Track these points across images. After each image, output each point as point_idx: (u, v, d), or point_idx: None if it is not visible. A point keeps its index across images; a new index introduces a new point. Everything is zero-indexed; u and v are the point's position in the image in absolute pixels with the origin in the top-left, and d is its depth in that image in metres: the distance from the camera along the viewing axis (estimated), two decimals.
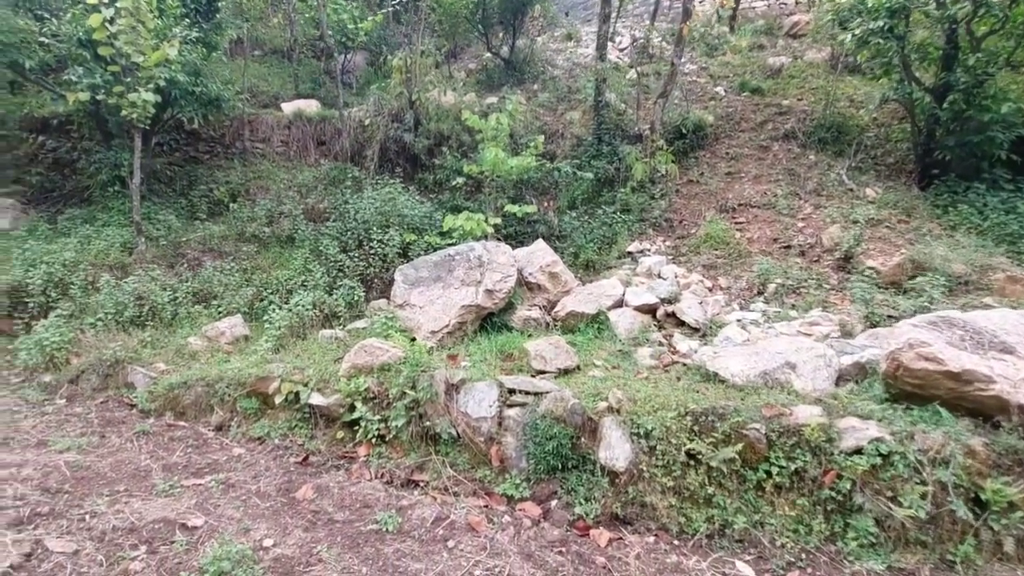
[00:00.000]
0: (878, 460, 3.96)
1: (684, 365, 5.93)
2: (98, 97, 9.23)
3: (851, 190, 10.43)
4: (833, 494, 4.05)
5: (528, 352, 6.08)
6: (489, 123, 9.16)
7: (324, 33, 12.45)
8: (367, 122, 11.92)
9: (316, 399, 5.76)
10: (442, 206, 11.04)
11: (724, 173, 11.43)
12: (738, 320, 7.24)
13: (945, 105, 9.86)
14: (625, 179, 11.33)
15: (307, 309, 7.89)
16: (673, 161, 10.87)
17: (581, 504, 4.50)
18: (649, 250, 9.92)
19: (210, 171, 12.24)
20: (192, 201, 11.41)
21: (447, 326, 6.99)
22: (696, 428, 4.50)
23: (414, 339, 7.09)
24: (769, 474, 4.23)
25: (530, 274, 7.97)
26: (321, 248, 9.50)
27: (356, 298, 8.61)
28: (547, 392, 5.10)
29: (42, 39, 9.88)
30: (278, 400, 5.91)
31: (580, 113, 12.79)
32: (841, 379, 5.20)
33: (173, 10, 10.49)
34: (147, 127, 9.67)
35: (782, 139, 12.08)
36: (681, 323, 7.39)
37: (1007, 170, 9.66)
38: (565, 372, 5.92)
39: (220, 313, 8.49)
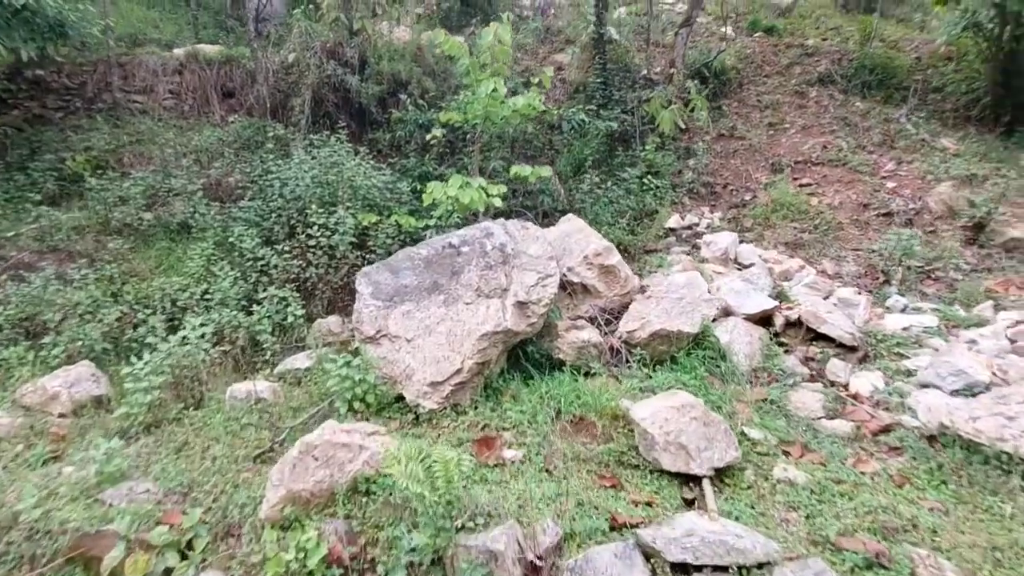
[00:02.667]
0: None
1: (931, 439, 3.05)
2: None
3: (924, 141, 7.94)
4: None
5: (643, 430, 2.99)
6: (484, 39, 5.81)
7: None
8: (291, 58, 8.16)
9: None
10: (406, 174, 7.62)
11: (765, 124, 8.65)
12: (915, 327, 4.48)
13: None
14: (643, 133, 8.33)
15: (204, 347, 4.39)
16: (708, 109, 7.94)
17: None
18: (697, 224, 7.02)
19: (63, 134, 8.09)
20: (33, 176, 7.32)
21: (459, 371, 3.76)
22: None
23: (401, 399, 3.84)
24: None
25: (569, 269, 4.84)
26: (232, 240, 5.90)
27: (291, 318, 5.18)
28: (771, 564, 2.06)
29: None
30: None
31: (578, 51, 9.57)
32: None
33: None
34: None
35: (818, 84, 9.43)
36: (814, 336, 4.54)
37: None
38: (721, 471, 2.91)
39: (56, 357, 4.79)
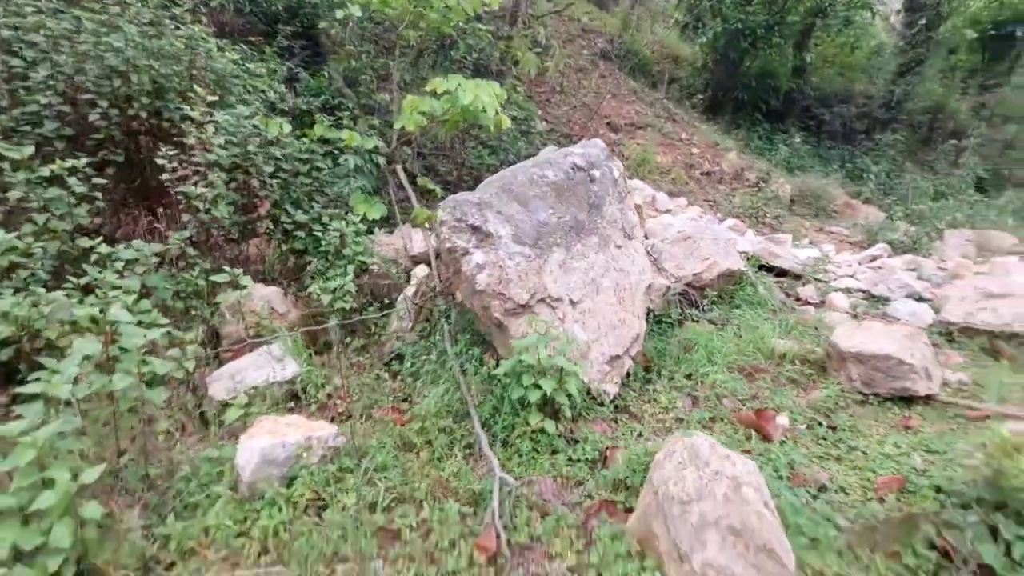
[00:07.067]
0: None
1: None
2: None
3: (685, 120, 9.83)
4: None
5: (896, 362, 2.79)
6: None
7: None
8: None
9: None
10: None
11: (582, 87, 9.06)
12: (810, 257, 5.53)
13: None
14: (499, 74, 7.58)
15: None
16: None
17: None
18: None
19: None
20: None
21: (637, 338, 2.73)
22: None
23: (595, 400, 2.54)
24: None
25: None
26: None
27: (190, 285, 2.74)
28: None
29: None
30: None
31: None
32: None
33: None
34: None
35: (601, 58, 10.44)
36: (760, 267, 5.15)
37: (758, 113, 10.77)
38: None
39: None
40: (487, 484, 1.92)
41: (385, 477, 1.94)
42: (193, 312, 2.78)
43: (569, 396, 2.23)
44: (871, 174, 9.98)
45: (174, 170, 2.87)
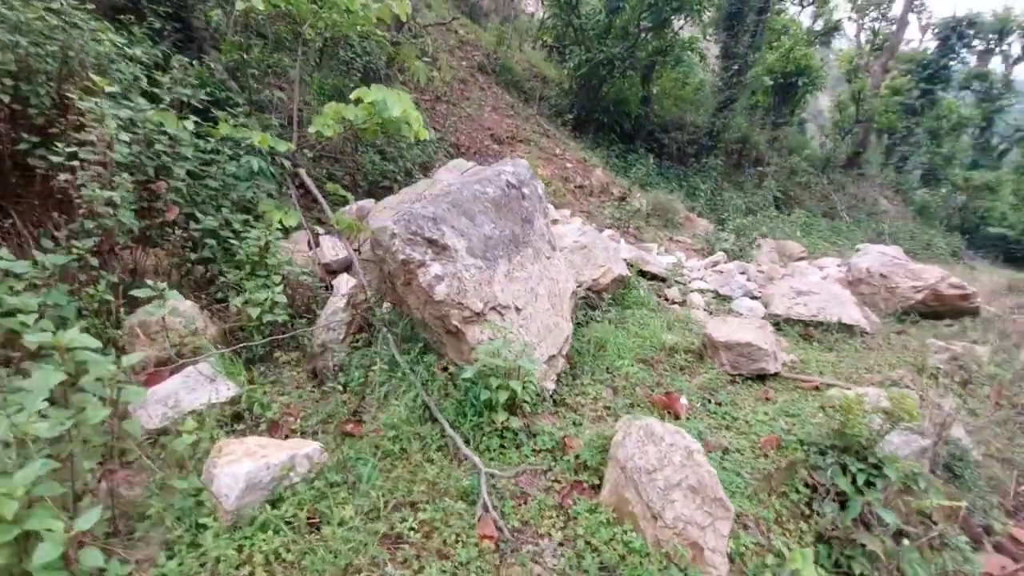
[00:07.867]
0: None
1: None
2: None
3: (556, 137, 10.65)
4: None
5: (754, 348, 3.52)
6: None
7: None
8: None
9: None
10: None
11: (465, 98, 9.30)
12: (669, 262, 6.47)
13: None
14: (387, 78, 7.48)
15: None
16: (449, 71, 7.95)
17: None
18: None
19: None
20: None
21: (567, 339, 3.08)
22: None
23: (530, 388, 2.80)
24: None
25: None
26: None
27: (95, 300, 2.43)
28: None
29: None
30: None
31: None
32: None
33: None
34: None
35: (479, 72, 10.81)
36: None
37: (614, 134, 12.16)
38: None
39: None
40: (472, 481, 2.08)
41: (375, 486, 1.99)
42: (99, 332, 2.43)
43: (529, 394, 2.48)
44: (701, 192, 11.86)
45: (72, 170, 2.46)
